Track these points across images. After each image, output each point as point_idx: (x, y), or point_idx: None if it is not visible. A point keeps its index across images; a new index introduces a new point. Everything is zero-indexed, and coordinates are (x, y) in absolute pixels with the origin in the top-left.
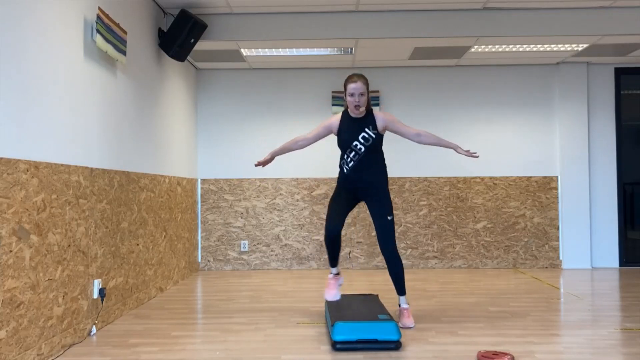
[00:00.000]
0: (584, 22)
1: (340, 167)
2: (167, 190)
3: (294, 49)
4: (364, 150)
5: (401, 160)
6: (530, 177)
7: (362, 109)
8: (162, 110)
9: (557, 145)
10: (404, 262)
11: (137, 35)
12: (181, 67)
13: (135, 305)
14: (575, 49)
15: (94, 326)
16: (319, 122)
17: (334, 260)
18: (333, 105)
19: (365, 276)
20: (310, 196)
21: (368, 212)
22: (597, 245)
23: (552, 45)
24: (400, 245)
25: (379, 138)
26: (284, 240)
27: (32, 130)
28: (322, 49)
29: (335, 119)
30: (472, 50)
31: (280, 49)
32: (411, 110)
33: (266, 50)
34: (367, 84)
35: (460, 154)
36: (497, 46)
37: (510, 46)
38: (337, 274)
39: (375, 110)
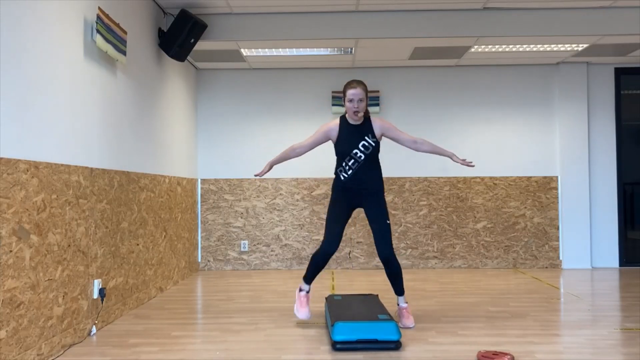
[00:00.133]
0: (584, 22)
1: (337, 174)
2: (167, 190)
3: (294, 49)
4: (364, 158)
5: (401, 160)
6: (530, 177)
7: (361, 114)
8: (162, 110)
9: (557, 145)
10: (403, 262)
11: (137, 35)
12: (181, 67)
13: (135, 305)
14: (575, 49)
15: (94, 326)
16: (319, 122)
17: (312, 278)
18: (333, 105)
19: (365, 276)
20: (310, 196)
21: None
22: (597, 245)
23: (552, 45)
24: (400, 245)
25: (378, 146)
26: (284, 240)
27: (32, 130)
28: (322, 49)
29: (333, 125)
30: (472, 50)
31: (280, 49)
32: (411, 110)
33: (266, 50)
34: (366, 90)
35: (456, 162)
36: (497, 46)
37: (510, 46)
38: (308, 292)
39: (373, 117)
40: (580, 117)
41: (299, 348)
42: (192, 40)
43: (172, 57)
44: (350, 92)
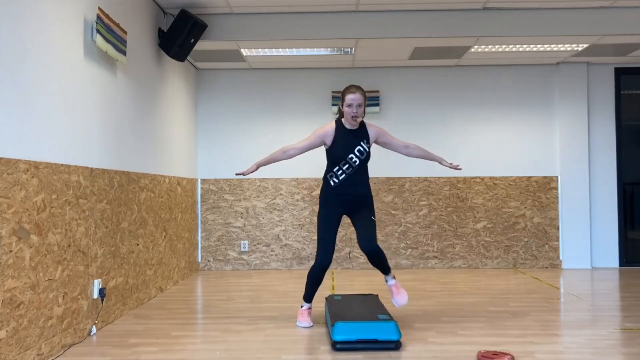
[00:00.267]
0: (584, 22)
1: (326, 179)
2: (167, 190)
3: (294, 49)
4: (358, 164)
5: (401, 160)
6: (530, 177)
7: (359, 119)
8: (162, 110)
9: (557, 145)
10: (403, 262)
11: (137, 35)
12: (181, 67)
13: (135, 305)
14: (575, 49)
15: (94, 326)
16: (319, 122)
17: (313, 295)
18: (333, 105)
19: (365, 276)
20: (310, 196)
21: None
22: (597, 245)
23: (552, 45)
24: (400, 245)
25: (370, 151)
26: (284, 240)
27: (32, 130)
28: (322, 49)
29: (329, 129)
30: (472, 50)
31: (280, 49)
32: (411, 110)
33: (266, 50)
34: (365, 95)
35: (445, 166)
36: (497, 46)
37: (510, 46)
38: (310, 307)
39: (366, 122)
40: (580, 117)
41: (299, 348)
42: (192, 40)
43: (172, 57)
44: (350, 97)
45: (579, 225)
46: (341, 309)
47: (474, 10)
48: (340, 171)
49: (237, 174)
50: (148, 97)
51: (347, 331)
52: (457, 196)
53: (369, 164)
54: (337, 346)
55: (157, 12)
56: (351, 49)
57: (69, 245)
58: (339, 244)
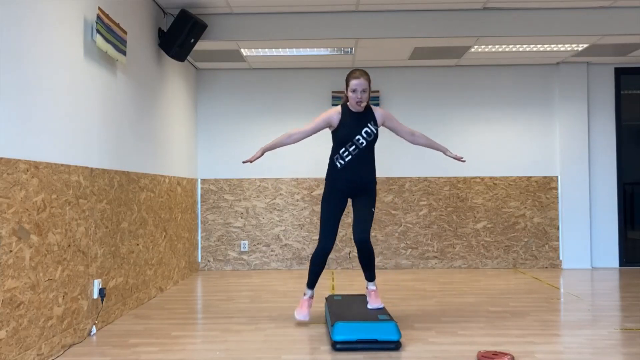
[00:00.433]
0: (584, 22)
1: (332, 161)
2: (167, 190)
3: (294, 49)
4: (365, 145)
5: (401, 160)
6: (530, 177)
7: (364, 104)
8: (162, 110)
9: (557, 145)
10: (403, 262)
11: (137, 35)
12: (181, 67)
13: (135, 305)
14: (575, 49)
15: (94, 326)
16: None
17: (315, 281)
18: (333, 105)
19: None
20: (310, 196)
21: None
22: (597, 245)
23: (552, 45)
24: (400, 245)
25: (377, 134)
26: (284, 240)
27: (32, 130)
28: (322, 49)
29: (335, 112)
30: (472, 50)
31: (280, 49)
32: (411, 110)
33: (266, 50)
34: (369, 80)
35: (449, 157)
36: (497, 46)
37: (510, 46)
38: (312, 297)
39: (373, 106)
40: (580, 117)
41: (299, 348)
42: (192, 40)
43: (172, 57)
44: (354, 82)
45: (579, 225)
46: (341, 309)
47: (474, 10)
48: (347, 152)
49: (244, 162)
50: (148, 97)
51: (347, 331)
52: (457, 196)
53: None
54: (337, 346)
55: (157, 12)
56: (351, 49)
57: (69, 245)
58: (338, 244)
